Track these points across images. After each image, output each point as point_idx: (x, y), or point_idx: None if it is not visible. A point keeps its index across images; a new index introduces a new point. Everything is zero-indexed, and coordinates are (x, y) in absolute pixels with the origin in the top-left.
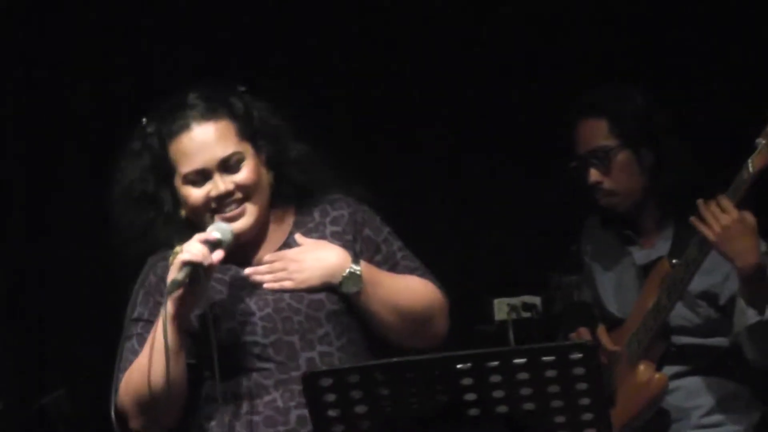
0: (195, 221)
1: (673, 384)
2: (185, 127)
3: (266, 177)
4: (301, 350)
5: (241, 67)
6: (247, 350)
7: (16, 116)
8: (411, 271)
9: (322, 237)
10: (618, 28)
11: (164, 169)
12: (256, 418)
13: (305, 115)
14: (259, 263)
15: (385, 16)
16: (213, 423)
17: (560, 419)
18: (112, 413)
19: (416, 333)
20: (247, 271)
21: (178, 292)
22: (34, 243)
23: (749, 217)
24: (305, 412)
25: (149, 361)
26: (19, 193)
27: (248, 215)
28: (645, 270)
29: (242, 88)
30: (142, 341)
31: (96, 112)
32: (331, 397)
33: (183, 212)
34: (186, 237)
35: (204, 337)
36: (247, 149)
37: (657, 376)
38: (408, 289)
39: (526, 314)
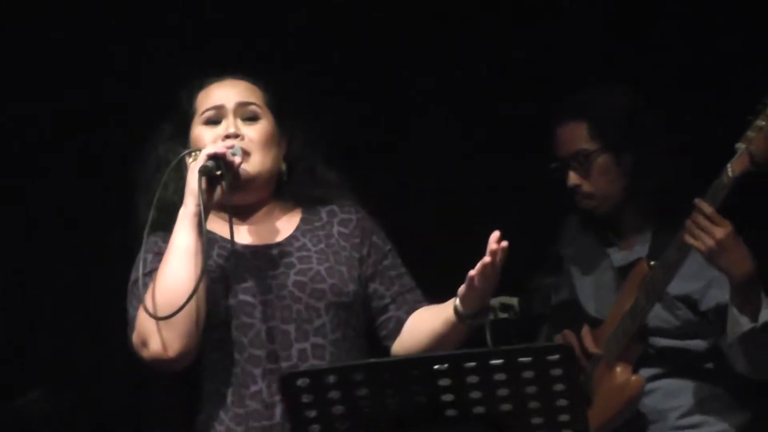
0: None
1: (650, 386)
2: (218, 78)
3: (277, 151)
4: (295, 341)
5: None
6: (241, 331)
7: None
8: (410, 289)
9: (329, 235)
10: (606, 27)
11: (183, 124)
12: (243, 411)
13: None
14: (266, 252)
15: (383, 13)
16: (202, 416)
17: (537, 420)
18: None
19: None
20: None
21: (202, 186)
22: (21, 240)
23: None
24: None
25: (168, 263)
26: (8, 189)
27: (250, 165)
28: (623, 272)
29: None
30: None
31: (90, 110)
32: (308, 398)
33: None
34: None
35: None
36: (268, 117)
37: (633, 378)
38: None
39: (503, 315)
